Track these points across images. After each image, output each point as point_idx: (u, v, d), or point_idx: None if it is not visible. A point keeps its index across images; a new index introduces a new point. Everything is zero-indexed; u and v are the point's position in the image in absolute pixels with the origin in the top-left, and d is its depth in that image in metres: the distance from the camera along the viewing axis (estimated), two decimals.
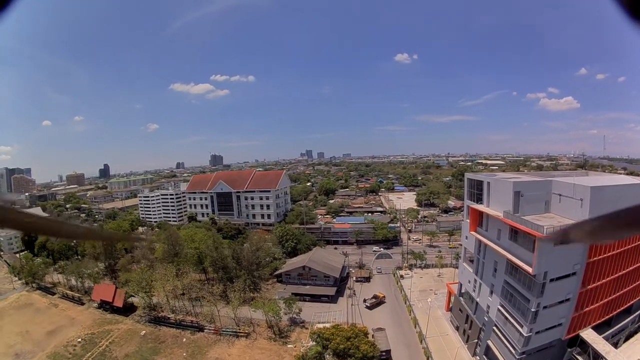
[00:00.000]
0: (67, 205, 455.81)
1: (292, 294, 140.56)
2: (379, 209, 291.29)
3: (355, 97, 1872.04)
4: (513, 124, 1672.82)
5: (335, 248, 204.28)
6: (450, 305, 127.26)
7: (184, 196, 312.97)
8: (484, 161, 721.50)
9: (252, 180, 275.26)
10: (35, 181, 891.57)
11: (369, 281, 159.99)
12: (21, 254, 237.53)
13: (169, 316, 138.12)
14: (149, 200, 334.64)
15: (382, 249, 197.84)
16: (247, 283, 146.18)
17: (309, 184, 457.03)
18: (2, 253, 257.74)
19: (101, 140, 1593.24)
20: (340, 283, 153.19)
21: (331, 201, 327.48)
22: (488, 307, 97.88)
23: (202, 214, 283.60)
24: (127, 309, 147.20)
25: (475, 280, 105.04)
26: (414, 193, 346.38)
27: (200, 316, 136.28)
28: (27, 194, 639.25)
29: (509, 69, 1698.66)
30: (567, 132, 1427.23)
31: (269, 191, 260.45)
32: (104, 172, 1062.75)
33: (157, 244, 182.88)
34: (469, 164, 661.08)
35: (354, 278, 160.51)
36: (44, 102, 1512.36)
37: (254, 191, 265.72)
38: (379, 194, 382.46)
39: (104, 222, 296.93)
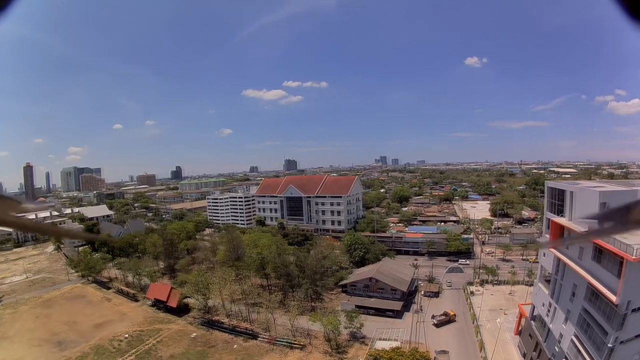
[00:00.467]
0: (135, 204, 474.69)
1: (356, 306, 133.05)
2: (453, 218, 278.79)
3: (428, 103, 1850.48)
4: (582, 129, 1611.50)
5: (413, 261, 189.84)
6: (520, 329, 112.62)
7: (253, 200, 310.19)
8: (556, 169, 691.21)
9: (323, 186, 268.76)
10: (104, 180, 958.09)
11: (438, 296, 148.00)
12: (80, 248, 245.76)
13: (223, 321, 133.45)
14: (217, 203, 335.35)
15: (456, 262, 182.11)
16: (309, 292, 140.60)
17: (382, 190, 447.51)
18: (63, 245, 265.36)
19: (174, 144, 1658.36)
20: (408, 297, 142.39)
21: (404, 209, 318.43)
22: (561, 335, 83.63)
23: (271, 218, 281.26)
24: (181, 310, 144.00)
25: (550, 304, 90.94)
26: (488, 202, 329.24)
27: (255, 323, 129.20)
28: (95, 191, 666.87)
29: (578, 70, 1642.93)
30: (635, 137, 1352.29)
31: (341, 197, 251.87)
32: (177, 174, 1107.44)
33: (220, 246, 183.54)
34: (542, 172, 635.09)
35: (422, 292, 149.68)
36: (116, 107, 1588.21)
37: (325, 196, 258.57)
38: (453, 202, 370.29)
39: (169, 222, 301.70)
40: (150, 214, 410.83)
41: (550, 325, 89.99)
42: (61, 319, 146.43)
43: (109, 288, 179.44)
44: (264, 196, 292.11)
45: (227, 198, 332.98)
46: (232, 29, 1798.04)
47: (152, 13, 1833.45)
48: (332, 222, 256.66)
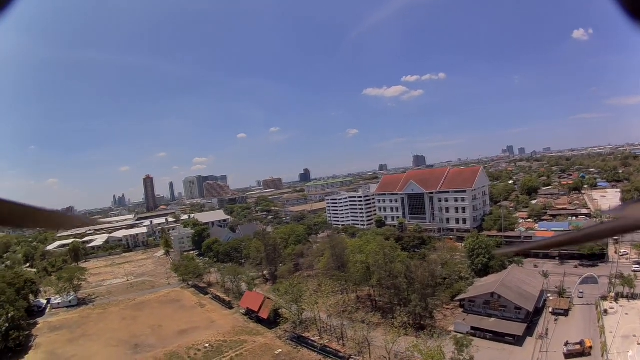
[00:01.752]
0: (257, 208, 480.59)
1: (472, 328, 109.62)
2: (584, 211, 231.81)
3: (546, 85, 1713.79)
4: None
5: (536, 266, 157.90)
6: None
7: (373, 199, 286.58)
8: None
9: (446, 179, 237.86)
10: (229, 187, 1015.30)
11: (567, 314, 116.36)
12: (184, 253, 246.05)
13: (313, 339, 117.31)
14: (336, 203, 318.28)
15: (587, 267, 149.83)
16: (417, 310, 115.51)
17: (510, 182, 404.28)
18: (172, 251, 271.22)
19: (301, 148, 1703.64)
20: (533, 317, 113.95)
21: (533, 202, 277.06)
22: None
23: (392, 218, 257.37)
24: (272, 322, 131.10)
25: None
26: (618, 190, 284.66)
27: (351, 342, 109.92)
28: (216, 198, 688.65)
29: None
30: None
31: (465, 191, 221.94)
32: (305, 177, 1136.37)
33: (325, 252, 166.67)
34: None
35: (550, 309, 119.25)
36: (238, 118, 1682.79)
37: (448, 191, 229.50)
38: (582, 191, 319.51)
39: (282, 225, 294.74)
40: (270, 217, 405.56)
41: None
42: (147, 322, 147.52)
43: (206, 293, 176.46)
44: (384, 194, 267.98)
45: (346, 198, 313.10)
46: (344, 30, 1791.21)
47: (266, 24, 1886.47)
48: (457, 221, 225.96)
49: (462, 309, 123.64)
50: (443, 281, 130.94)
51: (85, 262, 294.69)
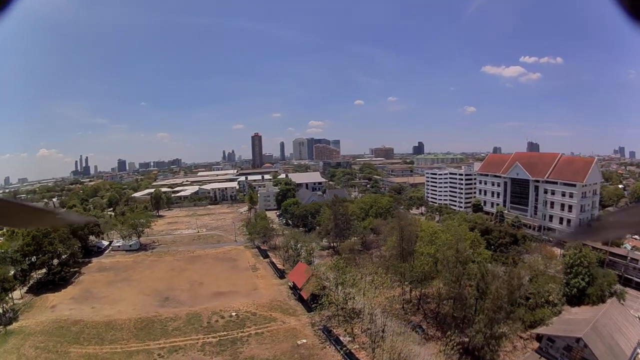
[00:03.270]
0: (359, 174, 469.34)
1: None
2: None
3: None
4: None
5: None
6: None
7: (475, 178, 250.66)
8: None
9: (555, 167, 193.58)
10: (339, 151, 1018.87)
11: None
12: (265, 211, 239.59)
13: (342, 339, 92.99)
14: (435, 179, 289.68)
15: None
16: (477, 339, 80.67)
17: (620, 186, 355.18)
18: (256, 207, 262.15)
19: (417, 120, 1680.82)
20: None
21: None
22: None
23: (491, 204, 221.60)
24: (315, 303, 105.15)
25: None
26: None
27: (384, 354, 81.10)
28: (321, 161, 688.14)
29: None
30: None
31: (574, 185, 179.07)
32: (418, 149, 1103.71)
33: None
34: None
35: None
36: (356, 84, 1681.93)
37: (556, 182, 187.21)
38: None
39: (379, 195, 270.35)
40: (369, 185, 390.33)
41: None
42: (192, 276, 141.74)
43: (266, 256, 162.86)
44: (486, 175, 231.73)
45: (447, 174, 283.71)
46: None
47: None
48: (560, 220, 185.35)
49: (538, 347, 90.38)
50: (525, 302, 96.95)
51: (168, 210, 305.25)
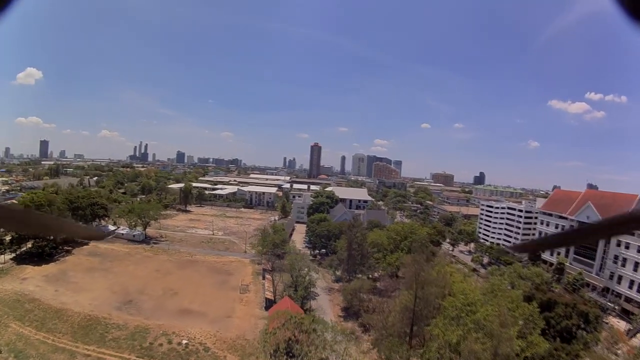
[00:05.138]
0: (412, 198, 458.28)
1: None
2: None
3: None
4: None
5: None
6: None
7: (535, 217, 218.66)
8: None
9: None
10: (398, 172, 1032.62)
11: None
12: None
13: None
14: (491, 212, 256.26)
15: None
16: None
17: None
18: (288, 218, 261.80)
19: (479, 149, 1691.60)
20: None
21: None
22: None
23: (551, 251, 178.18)
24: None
25: None
26: None
27: None
28: (377, 179, 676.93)
29: None
30: None
31: None
32: (479, 180, 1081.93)
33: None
34: None
35: None
36: (425, 108, 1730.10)
37: (633, 234, 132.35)
38: None
39: (428, 223, 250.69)
40: (419, 210, 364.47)
41: None
42: (171, 284, 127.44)
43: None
44: (550, 214, 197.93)
45: (504, 208, 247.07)
46: (535, 31, 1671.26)
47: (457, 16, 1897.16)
48: (630, 284, 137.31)
49: None
50: None
51: (199, 206, 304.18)
